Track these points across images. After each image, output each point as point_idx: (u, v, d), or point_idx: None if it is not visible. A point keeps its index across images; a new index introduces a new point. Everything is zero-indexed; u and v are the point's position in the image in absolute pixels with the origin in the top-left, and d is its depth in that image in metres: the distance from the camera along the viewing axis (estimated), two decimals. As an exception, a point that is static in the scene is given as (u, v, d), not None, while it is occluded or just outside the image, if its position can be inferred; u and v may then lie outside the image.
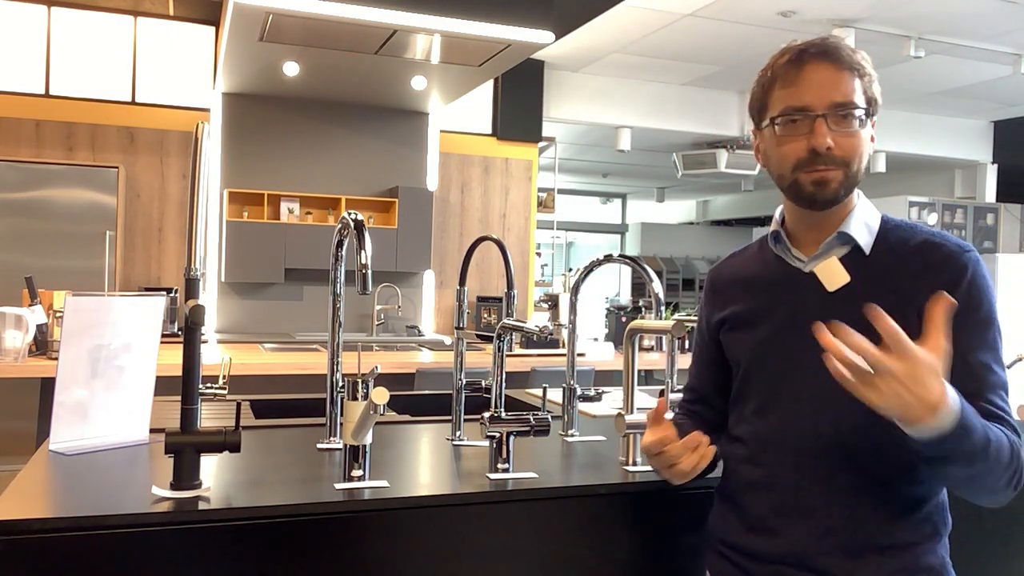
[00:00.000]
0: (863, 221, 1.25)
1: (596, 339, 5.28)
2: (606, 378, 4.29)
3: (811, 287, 1.24)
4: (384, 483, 1.44)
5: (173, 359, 1.43)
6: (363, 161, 6.08)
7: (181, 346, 1.35)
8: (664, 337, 1.69)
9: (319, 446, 1.73)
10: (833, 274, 1.22)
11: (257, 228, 5.60)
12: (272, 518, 1.28)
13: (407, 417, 2.19)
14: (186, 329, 1.33)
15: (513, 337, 4.35)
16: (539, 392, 2.32)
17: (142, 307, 1.69)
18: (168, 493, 1.30)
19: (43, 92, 5.32)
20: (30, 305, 3.45)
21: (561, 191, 10.59)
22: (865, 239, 1.23)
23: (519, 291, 6.43)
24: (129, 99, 5.50)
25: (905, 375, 0.95)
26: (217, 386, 1.42)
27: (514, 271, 1.93)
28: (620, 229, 13.69)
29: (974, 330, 1.15)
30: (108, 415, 1.67)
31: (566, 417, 1.97)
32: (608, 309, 5.74)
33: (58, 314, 3.43)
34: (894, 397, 0.96)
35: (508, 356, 4.27)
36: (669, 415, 1.30)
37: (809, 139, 1.18)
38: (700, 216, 14.39)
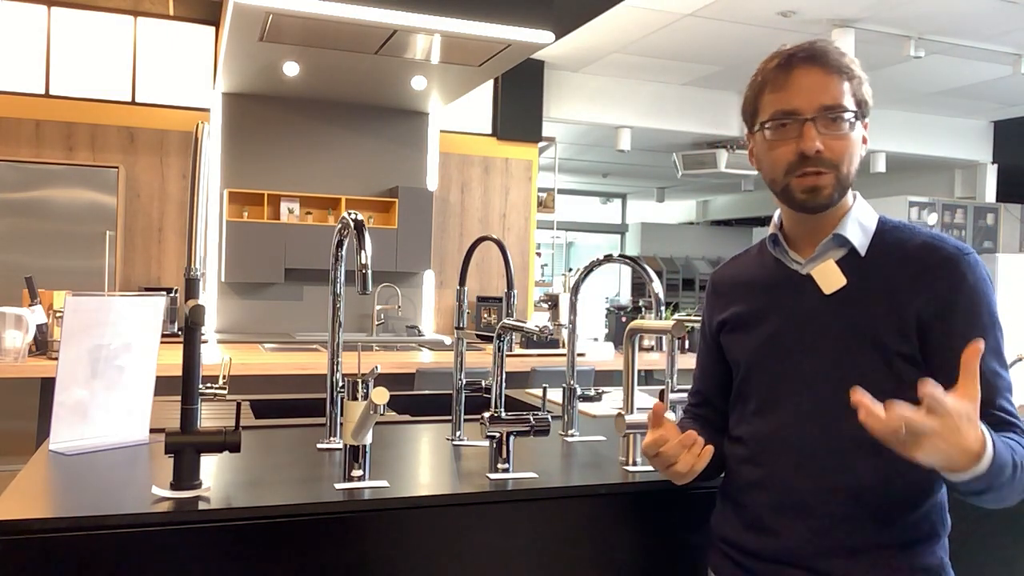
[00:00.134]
0: (859, 223, 1.25)
1: (596, 339, 5.28)
2: (606, 378, 4.29)
3: (809, 289, 1.24)
4: (384, 483, 1.44)
5: (173, 359, 1.43)
6: (363, 161, 6.08)
7: (181, 346, 1.35)
8: (664, 337, 1.69)
9: (319, 446, 1.73)
10: (830, 277, 1.23)
11: (257, 228, 5.60)
12: (272, 518, 1.28)
13: (407, 417, 2.19)
14: (186, 329, 1.33)
15: (513, 337, 4.35)
16: (539, 392, 2.32)
17: (142, 307, 1.69)
18: (168, 493, 1.30)
19: (43, 92, 5.32)
20: (30, 305, 3.45)
21: (561, 191, 10.59)
22: (860, 240, 1.24)
23: (519, 291, 6.43)
24: (129, 99, 5.50)
25: (945, 430, 0.95)
26: (217, 386, 1.42)
27: (514, 271, 1.93)
28: (620, 229, 13.69)
29: (978, 336, 1.15)
30: (108, 415, 1.67)
31: (566, 417, 1.97)
32: (608, 309, 5.74)
33: (58, 314, 3.43)
34: (936, 452, 0.96)
35: (508, 356, 4.27)
36: (670, 415, 1.30)
37: (798, 143, 1.19)
38: (700, 216, 14.39)
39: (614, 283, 12.68)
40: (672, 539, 1.53)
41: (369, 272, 1.51)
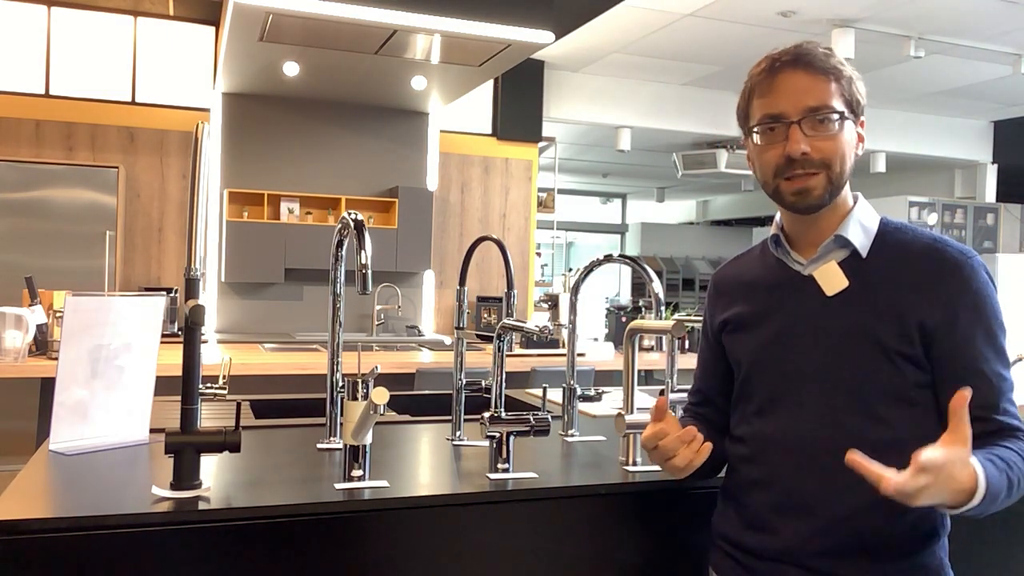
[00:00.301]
0: (861, 224, 1.25)
1: (596, 339, 5.28)
2: (606, 378, 4.29)
3: (810, 290, 1.25)
4: (384, 483, 1.44)
5: (173, 359, 1.43)
6: (363, 161, 6.08)
7: (181, 346, 1.35)
8: (664, 337, 1.69)
9: (319, 446, 1.73)
10: (832, 279, 1.23)
11: (257, 228, 5.60)
12: (272, 518, 1.28)
13: (407, 417, 2.19)
14: (186, 329, 1.33)
15: (513, 337, 4.35)
16: (539, 392, 2.32)
17: (142, 307, 1.69)
18: (168, 493, 1.30)
19: (43, 92, 5.32)
20: (30, 305, 3.45)
21: (561, 191, 10.59)
22: (862, 242, 1.24)
23: (519, 291, 6.43)
24: (129, 99, 5.50)
25: (939, 481, 0.99)
26: (217, 386, 1.42)
27: (514, 271, 1.93)
28: (620, 229, 13.69)
29: (984, 340, 1.17)
30: (108, 415, 1.67)
31: (566, 417, 1.97)
32: (608, 309, 5.74)
33: (58, 314, 3.43)
34: (931, 498, 1.00)
35: (508, 356, 4.27)
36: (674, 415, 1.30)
37: (785, 146, 1.20)
38: (700, 216, 14.39)
39: (614, 283, 12.68)
40: (672, 539, 1.54)
41: (369, 272, 1.51)
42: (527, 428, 1.57)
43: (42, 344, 3.54)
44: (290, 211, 5.80)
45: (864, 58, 5.85)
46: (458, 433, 1.87)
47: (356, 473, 1.43)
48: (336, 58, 4.64)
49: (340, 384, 1.74)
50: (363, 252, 1.52)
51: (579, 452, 1.79)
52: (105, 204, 5.03)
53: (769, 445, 1.26)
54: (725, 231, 13.84)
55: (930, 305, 1.17)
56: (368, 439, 1.43)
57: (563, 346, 4.35)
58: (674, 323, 1.54)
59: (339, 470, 1.53)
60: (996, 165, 8.62)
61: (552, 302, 5.62)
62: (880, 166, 8.17)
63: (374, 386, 1.36)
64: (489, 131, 6.63)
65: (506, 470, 1.54)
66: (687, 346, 4.79)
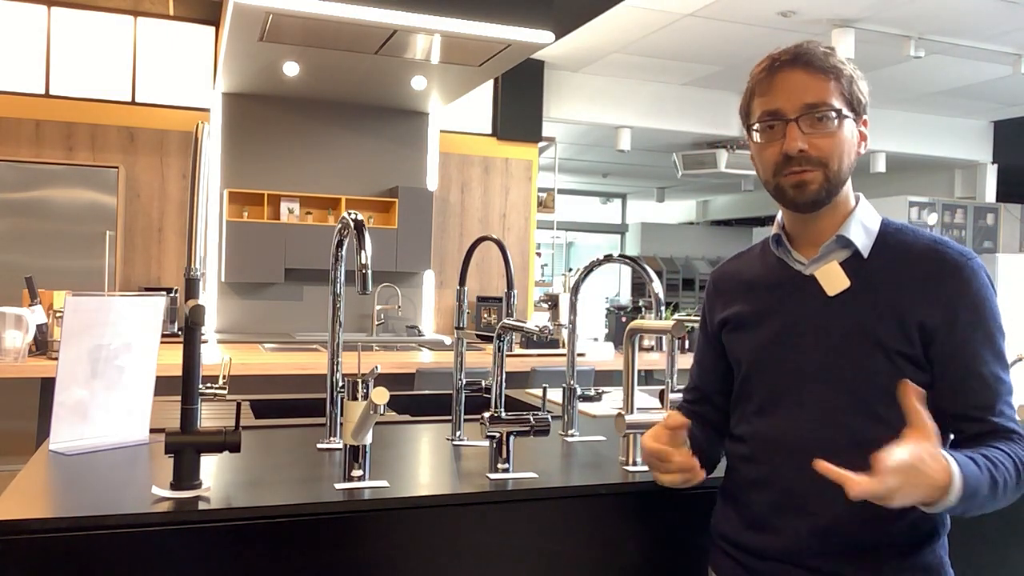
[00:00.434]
0: (862, 224, 1.25)
1: (596, 339, 5.28)
2: (606, 378, 4.29)
3: (812, 290, 1.25)
4: (384, 483, 1.44)
5: (173, 359, 1.43)
6: (363, 161, 6.08)
7: (181, 346, 1.35)
8: (664, 337, 1.69)
9: (319, 446, 1.73)
10: (834, 279, 1.23)
11: (257, 228, 5.60)
12: (272, 518, 1.28)
13: (407, 417, 2.19)
14: (186, 329, 1.33)
15: (513, 337, 4.35)
16: (539, 392, 2.32)
17: (142, 307, 1.69)
18: (168, 493, 1.30)
19: (43, 92, 5.32)
20: (30, 305, 3.45)
21: (561, 191, 10.59)
22: (863, 242, 1.24)
23: (519, 291, 6.43)
24: (129, 99, 5.50)
25: (911, 480, 1.00)
26: (217, 386, 1.42)
27: (514, 271, 1.93)
28: (620, 229, 13.69)
29: (984, 342, 1.17)
30: (108, 415, 1.67)
31: (566, 417, 1.97)
32: (608, 309, 5.74)
33: (58, 314, 3.43)
34: (906, 498, 1.01)
35: (508, 356, 4.27)
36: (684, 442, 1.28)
37: (784, 143, 1.21)
38: (700, 216, 14.39)
39: (614, 283, 12.68)
40: (672, 539, 1.54)
41: (369, 272, 1.51)
42: (527, 428, 1.57)
43: (42, 344, 3.54)
44: (290, 211, 5.80)
45: (864, 58, 5.85)
46: (458, 433, 1.87)
47: (356, 473, 1.43)
48: (336, 58, 4.64)
49: (340, 384, 1.74)
50: (363, 252, 1.52)
51: (579, 452, 1.79)
52: (105, 204, 5.03)
53: (769, 445, 1.26)
54: (725, 231, 13.84)
55: (930, 305, 1.17)
56: (368, 439, 1.43)
57: (563, 346, 4.35)
58: (674, 323, 1.53)
59: (339, 470, 1.53)
60: (996, 165, 8.62)
61: (552, 302, 5.62)
62: (880, 166, 8.17)
63: (374, 386, 1.36)
64: (489, 131, 6.63)
65: (506, 470, 1.54)
66: (687, 346, 4.79)
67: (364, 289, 1.50)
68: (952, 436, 1.20)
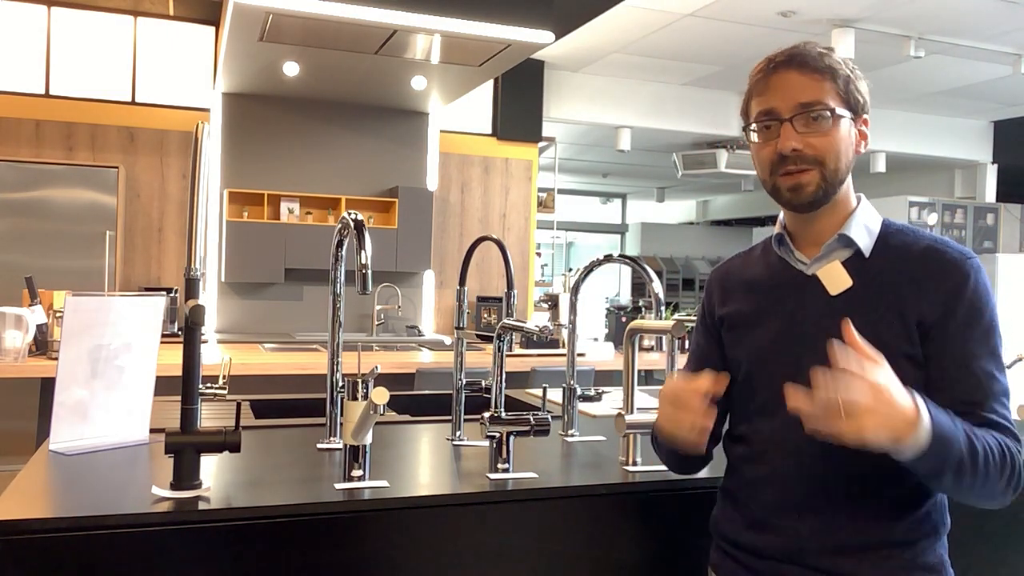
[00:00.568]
0: (863, 224, 1.26)
1: (596, 339, 5.28)
2: (606, 378, 4.29)
3: (813, 289, 1.25)
4: (384, 483, 1.44)
5: (173, 359, 1.43)
6: (363, 161, 6.08)
7: (181, 346, 1.35)
8: (664, 337, 1.69)
9: (319, 446, 1.73)
10: (836, 278, 1.23)
11: (257, 228, 5.60)
12: (272, 518, 1.28)
13: (407, 417, 2.19)
14: (186, 329, 1.33)
15: (513, 337, 4.35)
16: (539, 392, 2.32)
17: (142, 307, 1.69)
18: (168, 493, 1.30)
19: (43, 92, 5.32)
20: (30, 305, 3.45)
21: (561, 191, 10.59)
22: (865, 242, 1.25)
23: (519, 291, 6.43)
24: (129, 99, 5.50)
25: (879, 399, 1.00)
26: (217, 386, 1.42)
27: (514, 271, 1.93)
28: (620, 229, 13.69)
29: (979, 339, 1.17)
30: (108, 415, 1.67)
31: (566, 417, 1.97)
32: (608, 309, 5.74)
33: (58, 314, 3.43)
34: (876, 423, 1.00)
35: (508, 356, 4.27)
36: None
37: (778, 143, 1.21)
38: (700, 216, 14.39)
39: (614, 283, 12.68)
40: (672, 539, 1.54)
41: (369, 272, 1.51)
42: (527, 428, 1.57)
43: (42, 344, 3.54)
44: (290, 211, 5.80)
45: (864, 58, 5.85)
46: (458, 433, 1.87)
47: (356, 473, 1.43)
48: (336, 58, 4.64)
49: (340, 384, 1.74)
50: (363, 252, 1.52)
51: (579, 452, 1.79)
52: (105, 204, 5.03)
53: (770, 444, 1.26)
54: (725, 231, 13.84)
55: (928, 303, 1.17)
56: (368, 439, 1.43)
57: (563, 346, 4.35)
58: (674, 323, 1.54)
59: (339, 470, 1.53)
60: (996, 165, 8.62)
61: (552, 302, 5.62)
62: (880, 166, 8.17)
63: (374, 386, 1.37)
64: (489, 131, 6.63)
65: (506, 470, 1.54)
66: (687, 346, 4.78)
67: (364, 289, 1.50)
68: None
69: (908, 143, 8.10)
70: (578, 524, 1.48)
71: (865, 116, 1.25)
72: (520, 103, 6.63)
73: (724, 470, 1.37)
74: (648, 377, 4.64)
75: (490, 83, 6.49)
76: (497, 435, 1.54)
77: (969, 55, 6.06)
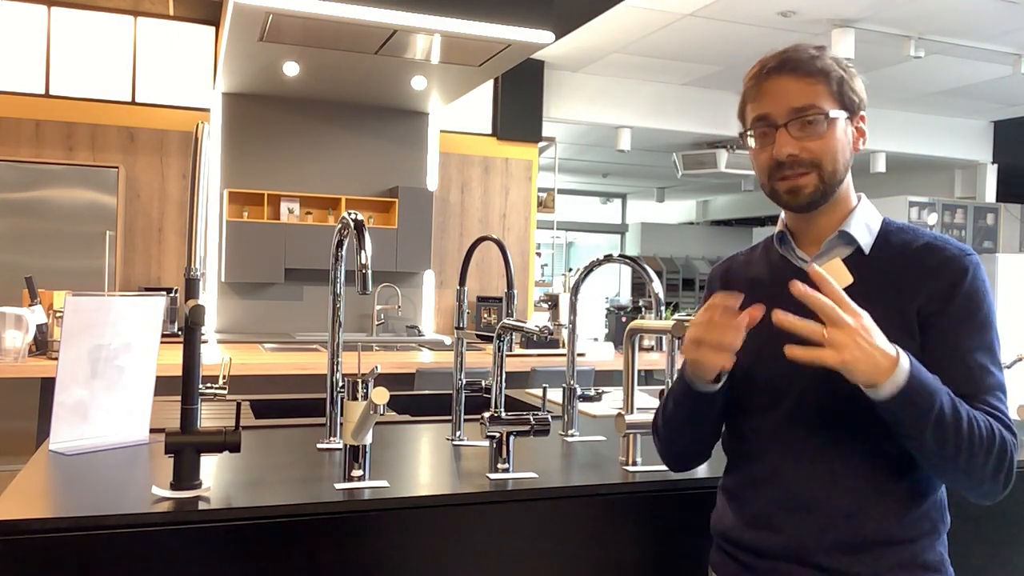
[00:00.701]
0: (864, 222, 1.26)
1: (596, 339, 5.28)
2: (606, 378, 4.29)
3: (813, 286, 1.24)
4: (384, 483, 1.44)
5: (173, 359, 1.43)
6: (363, 161, 6.08)
7: (181, 346, 1.35)
8: (664, 337, 1.69)
9: (319, 446, 1.73)
10: (837, 275, 1.23)
11: (257, 228, 5.60)
12: (272, 518, 1.28)
13: (407, 417, 2.19)
14: (186, 329, 1.33)
15: (513, 337, 4.35)
16: (539, 392, 2.32)
17: (142, 307, 1.69)
18: (168, 493, 1.30)
19: (43, 92, 5.32)
20: (30, 305, 3.45)
21: (561, 191, 10.59)
22: (865, 239, 1.25)
23: (519, 291, 6.43)
24: (129, 99, 5.50)
25: (860, 326, 1.05)
26: (217, 386, 1.42)
27: (514, 271, 1.93)
28: (620, 229, 13.69)
29: (973, 332, 1.17)
30: (108, 415, 1.67)
31: (566, 417, 1.97)
32: (608, 309, 5.74)
33: (58, 314, 3.43)
34: (857, 350, 1.04)
35: (508, 356, 4.27)
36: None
37: (774, 149, 1.22)
38: (700, 216, 14.39)
39: (614, 283, 12.68)
40: (672, 539, 1.54)
41: (369, 272, 1.51)
42: (527, 428, 1.57)
43: (42, 344, 3.54)
44: (290, 211, 5.80)
45: (864, 58, 5.86)
46: (458, 433, 1.87)
47: (356, 473, 1.43)
48: (336, 58, 4.64)
49: (340, 384, 1.74)
50: (363, 252, 1.52)
51: (579, 452, 1.79)
52: (105, 204, 5.03)
53: (771, 442, 1.26)
54: (725, 231, 13.84)
55: (926, 297, 1.18)
56: (368, 439, 1.43)
57: (563, 346, 4.35)
58: (674, 323, 1.53)
59: (339, 470, 1.53)
60: (996, 165, 8.62)
61: (552, 302, 5.62)
62: (880, 166, 8.17)
63: (374, 386, 1.37)
64: (489, 131, 6.63)
65: (506, 470, 1.54)
66: (687, 346, 4.78)
67: (364, 289, 1.50)
68: None
69: (908, 143, 8.10)
70: (578, 524, 1.48)
71: (862, 113, 1.26)
72: (520, 103, 6.63)
73: (724, 469, 1.37)
74: (648, 377, 4.65)
75: (490, 83, 6.49)
76: (497, 435, 1.54)
77: (969, 55, 6.06)
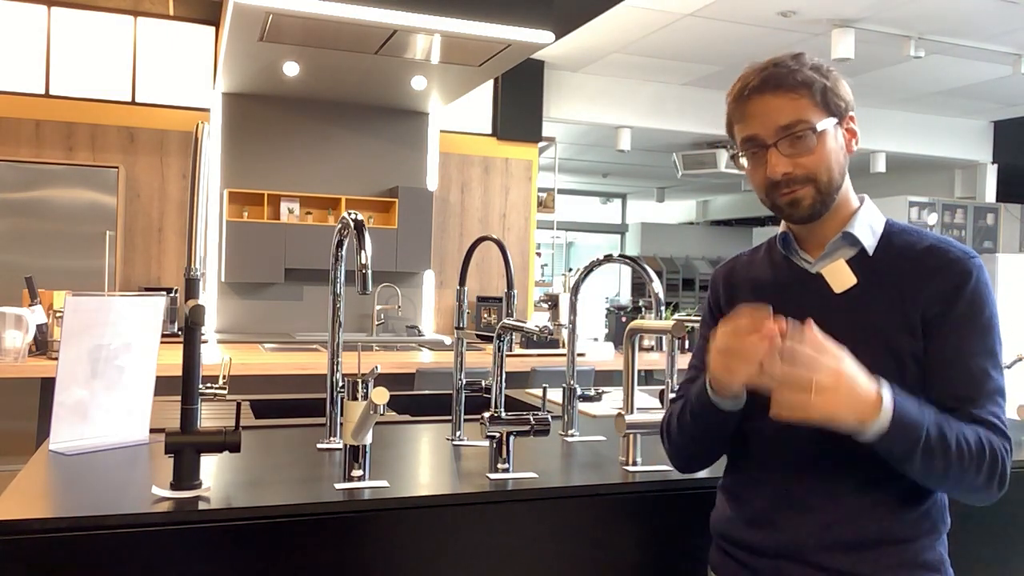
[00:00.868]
0: (868, 224, 1.26)
1: (596, 339, 5.28)
2: (606, 378, 4.29)
3: (817, 288, 1.25)
4: (384, 483, 1.44)
5: (173, 359, 1.43)
6: (363, 161, 6.08)
7: (181, 346, 1.35)
8: (664, 337, 1.69)
9: (319, 446, 1.73)
10: (840, 276, 1.23)
11: (257, 228, 5.60)
12: (272, 518, 1.28)
13: (407, 417, 2.19)
14: (186, 329, 1.33)
15: (513, 337, 4.35)
16: (539, 392, 2.32)
17: (142, 307, 1.69)
18: (168, 493, 1.30)
19: (43, 92, 5.32)
20: (30, 305, 3.45)
21: (561, 191, 10.59)
22: (869, 241, 1.25)
23: (519, 291, 6.43)
24: (129, 99, 5.50)
25: (842, 383, 1.05)
26: (217, 386, 1.42)
27: (514, 271, 1.93)
28: (620, 229, 13.69)
29: (976, 336, 1.17)
30: (108, 415, 1.67)
31: (566, 417, 1.97)
32: (608, 309, 5.74)
33: (58, 314, 3.43)
34: (836, 400, 1.04)
35: (508, 356, 4.27)
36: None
37: (767, 169, 1.22)
38: (700, 216, 14.38)
39: (614, 283, 12.67)
40: (672, 539, 1.54)
41: (369, 272, 1.51)
42: (527, 428, 1.57)
43: (42, 344, 3.54)
44: (290, 211, 5.80)
45: (864, 58, 5.86)
46: (458, 433, 1.87)
47: (356, 473, 1.43)
48: (336, 58, 4.64)
49: (340, 384, 1.74)
50: (363, 252, 1.52)
51: (579, 452, 1.79)
52: (105, 204, 5.03)
53: (771, 442, 1.26)
54: (725, 231, 13.83)
55: (929, 299, 1.18)
56: (368, 439, 1.43)
57: (563, 346, 4.35)
58: (674, 323, 1.54)
59: (339, 470, 1.53)
60: (996, 165, 8.61)
61: (552, 302, 5.62)
62: (880, 166, 8.17)
63: (374, 386, 1.37)
64: (489, 131, 6.63)
65: (506, 470, 1.54)
66: (687, 346, 4.79)
67: (364, 289, 1.50)
68: None
69: (908, 143, 8.10)
70: (578, 524, 1.48)
71: (850, 114, 1.25)
72: (520, 103, 6.63)
73: (724, 469, 1.38)
74: (648, 377, 4.65)
75: (490, 83, 6.49)
76: (497, 435, 1.54)
77: (969, 55, 6.06)
